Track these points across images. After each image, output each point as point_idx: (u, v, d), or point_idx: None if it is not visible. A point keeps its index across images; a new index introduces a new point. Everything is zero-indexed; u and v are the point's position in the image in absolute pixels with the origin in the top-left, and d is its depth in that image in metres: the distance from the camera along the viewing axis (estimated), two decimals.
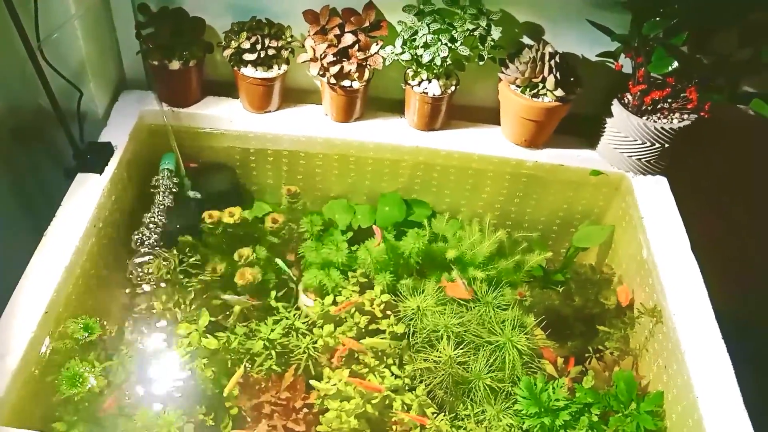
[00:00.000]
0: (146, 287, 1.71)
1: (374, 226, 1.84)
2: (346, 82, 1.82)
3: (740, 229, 2.17)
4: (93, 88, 1.82)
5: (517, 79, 1.80)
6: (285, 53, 1.85)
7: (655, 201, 1.87)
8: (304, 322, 1.68)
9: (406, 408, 1.57)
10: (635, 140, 1.84)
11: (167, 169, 1.86)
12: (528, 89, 1.81)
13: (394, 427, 1.55)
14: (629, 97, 1.85)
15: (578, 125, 1.93)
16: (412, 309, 1.67)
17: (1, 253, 1.69)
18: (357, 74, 1.82)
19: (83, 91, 1.76)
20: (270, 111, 1.94)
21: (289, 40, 1.84)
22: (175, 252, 1.75)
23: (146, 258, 1.73)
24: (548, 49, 1.78)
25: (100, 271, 1.69)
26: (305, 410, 1.57)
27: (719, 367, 1.50)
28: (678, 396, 1.54)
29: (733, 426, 1.40)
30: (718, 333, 1.57)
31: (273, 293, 1.75)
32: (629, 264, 1.88)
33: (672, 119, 1.81)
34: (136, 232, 1.76)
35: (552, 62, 1.77)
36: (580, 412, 1.57)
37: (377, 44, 1.80)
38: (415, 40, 1.76)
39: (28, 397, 1.38)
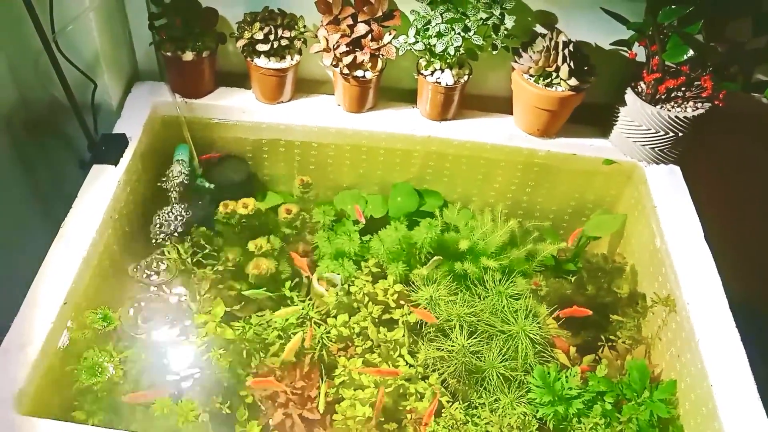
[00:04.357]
0: (161, 278, 1.73)
1: (356, 207, 1.88)
2: (358, 72, 1.82)
3: (754, 218, 2.17)
4: (107, 79, 1.82)
5: (530, 68, 1.80)
6: (298, 43, 1.85)
7: (668, 190, 1.87)
8: (318, 312, 1.69)
9: (419, 396, 1.58)
10: (648, 129, 1.83)
11: (181, 160, 1.87)
12: (541, 78, 1.80)
13: (408, 415, 1.56)
14: (643, 85, 1.84)
15: (591, 114, 1.92)
16: (425, 298, 1.68)
17: (18, 244, 1.71)
18: (370, 64, 1.82)
19: (97, 83, 1.77)
20: (282, 101, 1.94)
21: (302, 30, 1.84)
22: (189, 243, 1.76)
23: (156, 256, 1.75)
24: (562, 38, 1.77)
25: (117, 262, 1.70)
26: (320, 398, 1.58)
27: (733, 355, 1.51)
28: (691, 384, 1.54)
29: (747, 414, 1.41)
30: (732, 322, 1.57)
31: (287, 283, 1.76)
32: (642, 253, 1.88)
33: (686, 108, 1.81)
34: (154, 224, 1.77)
35: (566, 51, 1.76)
36: (594, 401, 1.58)
37: (390, 34, 1.80)
38: (428, 29, 1.76)
39: (48, 387, 1.39)
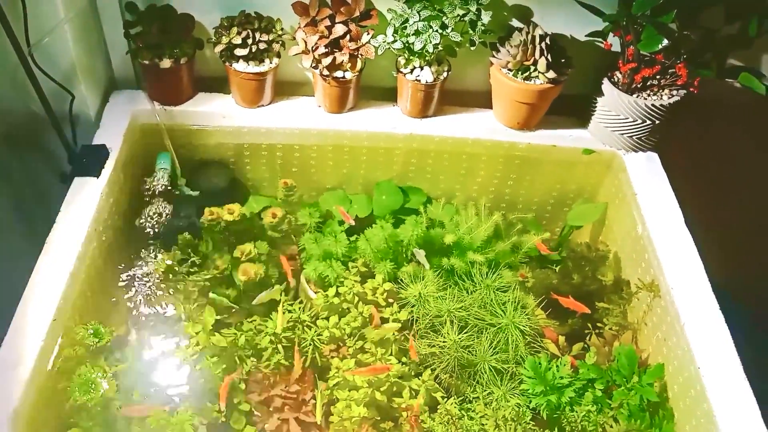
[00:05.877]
0: (148, 289, 1.72)
1: (340, 209, 1.88)
2: (338, 73, 1.82)
3: (730, 201, 2.21)
4: (84, 90, 1.80)
5: (508, 62, 1.81)
6: (276, 46, 1.84)
7: (647, 177, 1.90)
8: (308, 314, 1.70)
9: (413, 393, 1.59)
10: (626, 118, 1.86)
11: (163, 168, 1.85)
12: (520, 72, 1.82)
13: (403, 413, 1.58)
14: (619, 75, 1.86)
15: (569, 105, 1.94)
16: (414, 296, 1.69)
17: (3, 260, 1.68)
18: (349, 64, 1.82)
19: (74, 94, 1.75)
20: (263, 105, 1.94)
21: (280, 33, 1.83)
22: (176, 251, 1.75)
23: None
24: (538, 32, 1.79)
25: (103, 274, 1.69)
26: (315, 401, 1.58)
27: (718, 337, 1.54)
28: (679, 367, 1.58)
29: (735, 395, 1.44)
30: (716, 304, 1.61)
31: (277, 287, 1.76)
32: (624, 240, 1.91)
33: (662, 96, 1.83)
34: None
35: (543, 44, 1.78)
36: (585, 388, 1.61)
37: (368, 34, 1.80)
38: (405, 28, 1.76)
39: (42, 406, 1.38)
